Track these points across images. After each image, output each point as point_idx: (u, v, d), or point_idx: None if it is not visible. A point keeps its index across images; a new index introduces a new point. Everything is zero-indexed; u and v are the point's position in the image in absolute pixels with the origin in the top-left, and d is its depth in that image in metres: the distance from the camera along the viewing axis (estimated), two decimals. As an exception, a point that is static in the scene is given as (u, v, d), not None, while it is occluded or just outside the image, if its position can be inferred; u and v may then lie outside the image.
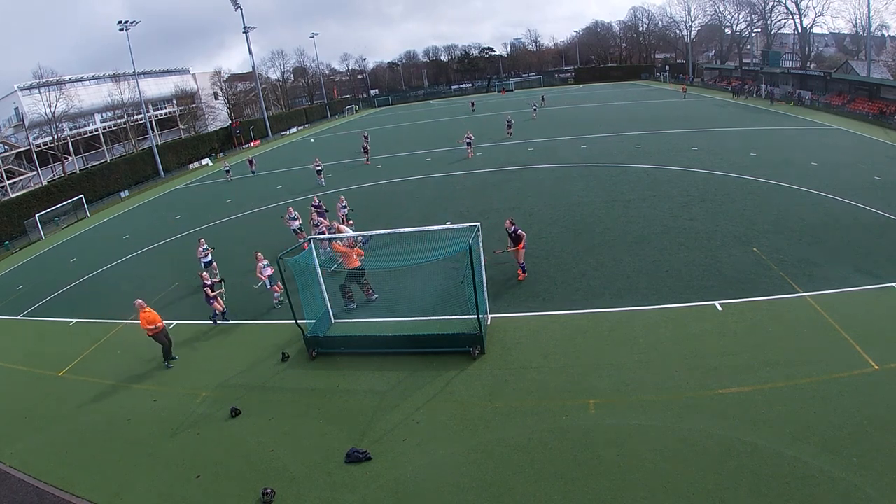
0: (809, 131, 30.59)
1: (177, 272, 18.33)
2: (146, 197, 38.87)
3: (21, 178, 45.20)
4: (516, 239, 13.27)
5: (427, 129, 48.74)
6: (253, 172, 37.47)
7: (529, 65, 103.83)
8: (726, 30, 76.27)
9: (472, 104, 62.54)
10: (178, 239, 23.51)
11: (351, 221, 18.35)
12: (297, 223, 18.66)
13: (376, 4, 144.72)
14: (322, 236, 14.45)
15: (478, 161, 29.25)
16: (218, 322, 13.82)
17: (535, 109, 47.51)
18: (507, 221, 13.44)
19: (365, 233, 15.46)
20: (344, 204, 18.95)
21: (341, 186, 27.07)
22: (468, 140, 31.62)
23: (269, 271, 14.06)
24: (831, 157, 22.94)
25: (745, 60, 67.55)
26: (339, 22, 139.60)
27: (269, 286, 14.29)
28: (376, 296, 13.49)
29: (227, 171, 38.10)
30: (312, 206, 19.29)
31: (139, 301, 11.88)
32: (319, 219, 17.39)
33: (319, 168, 29.59)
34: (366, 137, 38.47)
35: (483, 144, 34.01)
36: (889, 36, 57.94)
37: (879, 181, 18.69)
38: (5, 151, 45.35)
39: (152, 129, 53.11)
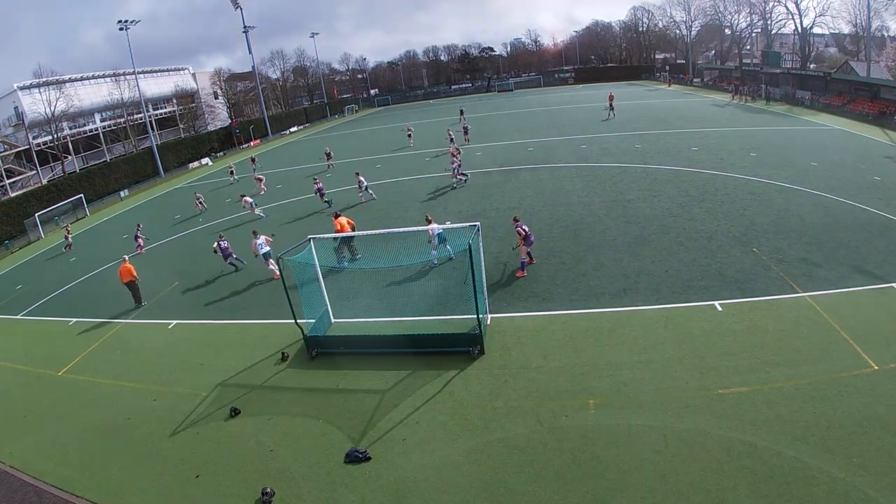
0: (809, 131, 30.56)
1: (176, 272, 18.34)
2: (146, 196, 38.84)
3: (21, 177, 45.15)
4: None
5: (426, 130, 48.66)
6: (330, 165, 33.82)
7: (529, 65, 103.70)
8: (726, 30, 76.25)
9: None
10: (177, 239, 23.51)
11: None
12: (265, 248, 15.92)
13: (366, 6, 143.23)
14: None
15: (478, 161, 29.21)
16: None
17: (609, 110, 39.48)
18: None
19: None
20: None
21: (339, 186, 27.03)
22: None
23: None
24: (831, 157, 22.92)
25: (745, 60, 67.53)
26: (331, 25, 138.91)
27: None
28: (360, 255, 16.03)
29: (254, 169, 35.17)
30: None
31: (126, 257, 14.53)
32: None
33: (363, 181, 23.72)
34: (409, 131, 39.90)
35: (484, 144, 34.02)
36: (889, 36, 57.92)
37: (879, 181, 18.68)
38: (5, 151, 45.30)
39: (152, 128, 53.03)
